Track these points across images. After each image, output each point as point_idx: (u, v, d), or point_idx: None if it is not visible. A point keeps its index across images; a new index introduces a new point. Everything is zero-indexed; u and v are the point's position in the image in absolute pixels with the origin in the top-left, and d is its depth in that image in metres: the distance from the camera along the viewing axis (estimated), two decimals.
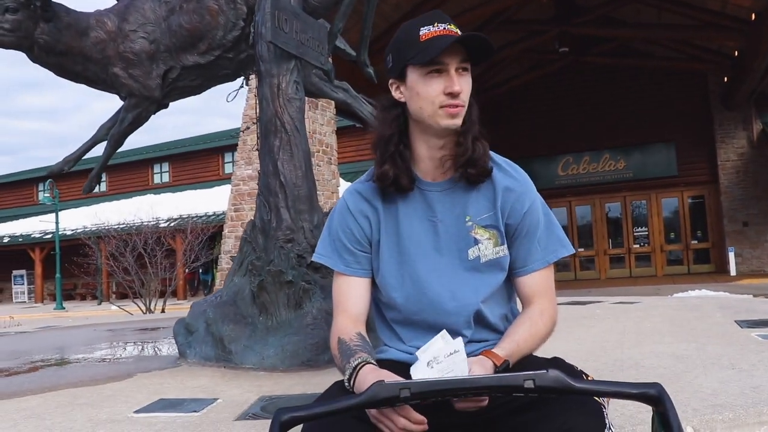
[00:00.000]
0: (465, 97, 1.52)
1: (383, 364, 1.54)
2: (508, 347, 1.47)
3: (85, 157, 4.97)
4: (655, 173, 19.62)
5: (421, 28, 1.50)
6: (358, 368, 1.38)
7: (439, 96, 1.49)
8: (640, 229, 20.20)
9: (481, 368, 1.36)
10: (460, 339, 1.36)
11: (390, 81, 1.59)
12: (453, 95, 1.49)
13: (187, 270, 17.95)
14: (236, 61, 4.29)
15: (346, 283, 1.65)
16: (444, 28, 1.49)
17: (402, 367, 1.50)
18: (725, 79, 17.94)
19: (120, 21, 4.19)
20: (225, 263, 13.29)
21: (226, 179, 22.34)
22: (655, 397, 1.18)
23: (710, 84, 18.99)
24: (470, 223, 1.58)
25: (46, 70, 4.33)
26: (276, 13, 3.53)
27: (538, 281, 1.60)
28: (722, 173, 18.74)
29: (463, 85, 1.51)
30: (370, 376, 1.33)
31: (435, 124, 1.52)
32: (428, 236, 1.59)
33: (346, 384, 1.39)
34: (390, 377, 1.30)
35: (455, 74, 1.49)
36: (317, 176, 11.91)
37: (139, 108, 4.39)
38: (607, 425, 1.28)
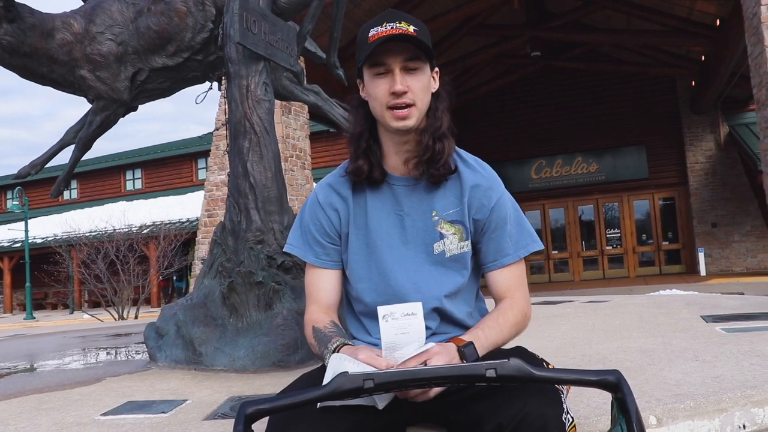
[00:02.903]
0: (413, 95, 1.51)
1: None
2: (473, 332, 1.49)
3: (55, 163, 4.91)
4: (627, 176, 19.92)
5: (371, 29, 1.51)
6: (337, 351, 1.41)
7: (385, 96, 1.51)
8: (612, 231, 20.46)
9: (444, 351, 1.37)
10: (419, 304, 1.38)
11: (357, 81, 1.62)
12: (396, 94, 1.49)
13: (160, 277, 17.77)
14: (205, 63, 4.27)
15: (316, 274, 1.68)
16: (392, 27, 1.48)
17: None
18: (693, 83, 18.29)
19: (87, 23, 4.15)
20: (199, 269, 13.18)
21: (199, 185, 22.21)
22: (613, 383, 1.21)
23: (679, 88, 19.35)
24: (436, 218, 1.61)
25: (14, 77, 4.28)
26: (244, 15, 3.53)
27: (509, 276, 1.63)
28: (691, 175, 19.08)
29: (411, 83, 1.51)
30: (350, 352, 1.37)
31: (386, 125, 1.55)
32: (395, 229, 1.62)
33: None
34: (368, 351, 1.33)
35: (400, 73, 1.50)
36: (291, 181, 11.90)
37: (108, 111, 4.35)
38: (565, 410, 1.30)
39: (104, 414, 2.60)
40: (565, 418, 1.28)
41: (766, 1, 8.72)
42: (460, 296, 1.65)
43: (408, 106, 1.51)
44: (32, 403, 2.93)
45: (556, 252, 20.53)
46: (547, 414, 1.26)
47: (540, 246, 1.67)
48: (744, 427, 2.11)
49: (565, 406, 1.30)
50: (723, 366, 2.62)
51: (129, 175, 28.92)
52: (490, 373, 1.19)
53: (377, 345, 1.53)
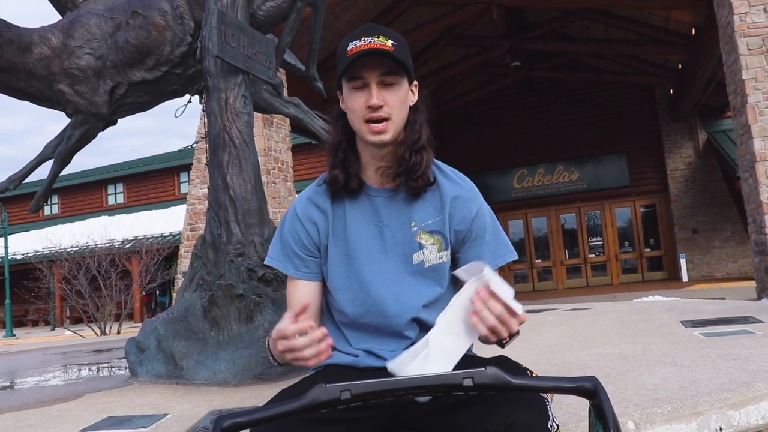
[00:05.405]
0: (389, 109, 1.52)
1: (329, 369, 1.56)
2: None
3: (36, 178, 4.88)
4: (608, 184, 20.05)
5: (350, 43, 1.52)
6: (269, 340, 1.42)
7: (362, 109, 1.52)
8: (595, 239, 20.56)
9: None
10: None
11: (338, 92, 1.64)
12: (372, 108, 1.51)
13: (143, 292, 17.61)
14: (184, 77, 4.27)
15: (295, 286, 1.68)
16: (370, 42, 1.49)
17: (347, 371, 1.54)
18: (671, 91, 18.52)
19: (65, 37, 4.14)
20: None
21: (181, 199, 22.07)
22: (590, 390, 1.21)
23: (657, 96, 19.56)
24: (415, 229, 1.61)
25: None
26: (222, 28, 3.54)
27: None
28: (672, 182, 19.26)
29: (387, 97, 1.52)
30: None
31: (363, 138, 1.56)
32: (375, 240, 1.62)
33: (270, 358, 1.43)
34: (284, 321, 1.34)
35: (376, 87, 1.51)
36: (273, 194, 11.87)
37: (86, 125, 4.33)
38: (551, 417, 1.31)
39: (83, 430, 2.58)
40: (551, 426, 1.29)
41: (739, 10, 8.88)
42: (438, 306, 1.66)
43: (384, 120, 1.53)
44: (9, 421, 2.89)
45: (540, 261, 20.60)
46: (533, 422, 1.26)
47: (515, 256, 1.69)
48: (720, 429, 2.13)
49: (550, 414, 1.31)
50: (700, 370, 2.65)
51: (111, 189, 28.66)
52: (467, 382, 1.19)
53: (356, 356, 1.56)
